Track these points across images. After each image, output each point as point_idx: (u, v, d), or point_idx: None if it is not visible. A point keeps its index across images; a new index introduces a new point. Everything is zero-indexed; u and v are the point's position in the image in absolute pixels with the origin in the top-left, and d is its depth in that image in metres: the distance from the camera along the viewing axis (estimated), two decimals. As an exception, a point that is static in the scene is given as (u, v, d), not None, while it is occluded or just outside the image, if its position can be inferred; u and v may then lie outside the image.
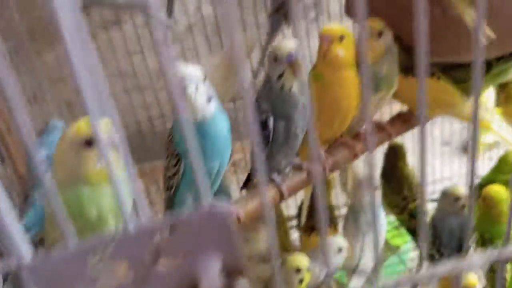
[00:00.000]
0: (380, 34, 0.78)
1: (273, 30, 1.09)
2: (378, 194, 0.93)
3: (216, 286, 0.25)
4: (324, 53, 0.73)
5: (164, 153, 0.67)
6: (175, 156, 0.64)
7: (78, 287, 0.24)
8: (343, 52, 0.73)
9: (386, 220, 1.01)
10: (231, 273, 0.27)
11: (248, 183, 0.82)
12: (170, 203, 0.68)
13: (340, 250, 0.92)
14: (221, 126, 0.63)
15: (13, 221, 0.22)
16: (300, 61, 0.65)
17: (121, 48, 1.30)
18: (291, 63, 0.66)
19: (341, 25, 0.76)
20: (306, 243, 1.08)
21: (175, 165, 0.63)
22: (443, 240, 0.93)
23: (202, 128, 0.61)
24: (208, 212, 0.25)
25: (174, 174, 0.64)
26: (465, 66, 0.89)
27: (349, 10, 0.96)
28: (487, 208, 0.93)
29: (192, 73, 0.59)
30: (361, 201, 0.93)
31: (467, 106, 0.86)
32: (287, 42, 0.68)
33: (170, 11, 1.04)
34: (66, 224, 0.24)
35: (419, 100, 0.33)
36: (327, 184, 1.04)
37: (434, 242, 0.94)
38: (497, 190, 0.93)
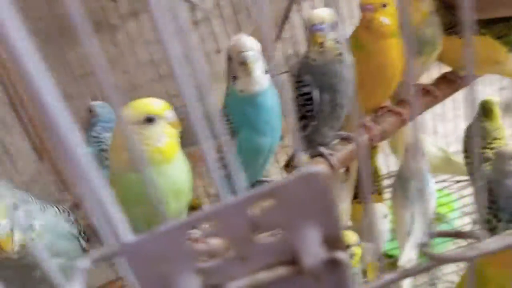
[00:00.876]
0: None
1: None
2: (426, 161, 0.89)
3: (318, 260, 0.24)
4: (368, 23, 0.70)
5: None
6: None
7: (179, 264, 0.23)
8: (387, 20, 0.70)
9: (435, 188, 0.98)
10: (332, 245, 0.25)
11: (290, 163, 0.81)
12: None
13: (385, 216, 0.91)
14: (275, 99, 0.61)
15: (111, 202, 0.21)
16: (322, 34, 0.64)
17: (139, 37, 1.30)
18: (313, 32, 0.64)
19: None
20: (353, 211, 1.06)
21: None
22: (500, 205, 0.89)
23: (258, 100, 0.60)
24: (303, 177, 0.23)
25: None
26: (504, 21, 0.84)
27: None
28: None
29: (251, 44, 0.58)
30: (410, 168, 0.90)
31: (509, 62, 0.82)
32: (316, 11, 0.65)
33: None
34: (162, 202, 0.23)
35: (465, 57, 0.31)
36: (373, 150, 1.01)
37: (491, 207, 0.91)
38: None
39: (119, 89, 0.20)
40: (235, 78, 0.61)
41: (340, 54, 0.66)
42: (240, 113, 0.62)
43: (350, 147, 0.76)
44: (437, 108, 1.03)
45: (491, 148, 0.92)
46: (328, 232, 0.25)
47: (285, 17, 1.03)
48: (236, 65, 0.60)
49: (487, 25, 0.84)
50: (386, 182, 1.14)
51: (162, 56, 1.34)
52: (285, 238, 0.25)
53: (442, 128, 1.35)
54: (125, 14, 1.31)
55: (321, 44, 0.65)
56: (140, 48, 1.33)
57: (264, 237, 0.24)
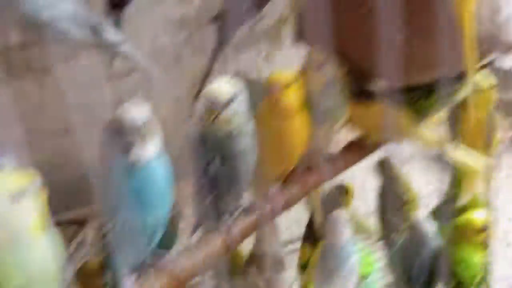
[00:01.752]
0: (321, 65, 0.76)
1: (220, 42, 1.02)
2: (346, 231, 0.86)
3: None
4: (273, 102, 0.72)
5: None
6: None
7: None
8: (292, 98, 0.72)
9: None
10: None
11: (196, 229, 0.79)
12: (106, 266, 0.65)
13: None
14: (165, 169, 0.59)
15: None
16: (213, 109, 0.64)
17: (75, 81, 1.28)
18: (207, 106, 0.65)
19: (286, 71, 0.75)
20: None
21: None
22: (413, 272, 0.90)
23: (138, 173, 0.57)
24: None
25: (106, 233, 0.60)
26: (411, 89, 0.88)
27: (300, 37, 0.94)
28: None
29: (137, 114, 0.56)
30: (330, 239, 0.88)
31: (417, 130, 0.85)
32: (214, 86, 0.65)
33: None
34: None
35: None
36: None
37: (405, 273, 0.91)
38: (468, 215, 0.89)
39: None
40: (129, 149, 0.59)
41: (236, 127, 0.65)
42: (125, 186, 0.58)
43: (253, 217, 0.75)
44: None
45: (402, 213, 0.94)
46: None
47: (206, 76, 1.02)
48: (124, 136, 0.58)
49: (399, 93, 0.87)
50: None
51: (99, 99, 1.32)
52: None
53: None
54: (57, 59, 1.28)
55: (214, 119, 0.65)
56: (75, 91, 1.30)
57: None
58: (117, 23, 0.96)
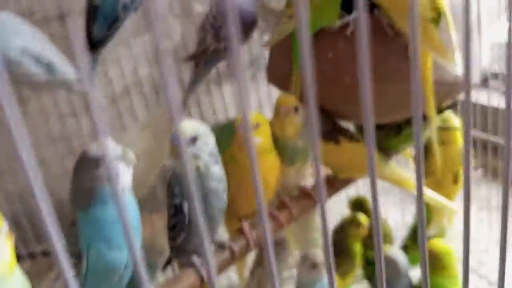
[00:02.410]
0: (296, 109, 0.80)
1: (194, 80, 1.05)
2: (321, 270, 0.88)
3: None
4: (240, 143, 0.74)
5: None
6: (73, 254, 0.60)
7: None
8: (259, 139, 0.74)
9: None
10: None
11: (169, 263, 0.80)
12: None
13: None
14: (133, 206, 0.61)
15: None
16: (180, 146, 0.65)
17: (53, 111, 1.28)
18: (171, 143, 0.66)
19: (257, 113, 0.78)
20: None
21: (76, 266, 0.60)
22: None
23: (105, 214, 0.58)
24: None
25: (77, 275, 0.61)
26: (380, 127, 0.91)
27: (270, 77, 0.98)
28: (434, 262, 0.90)
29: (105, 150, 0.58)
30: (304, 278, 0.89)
31: (387, 169, 0.88)
32: (185, 124, 0.67)
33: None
34: None
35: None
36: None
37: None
38: (439, 244, 0.92)
39: None
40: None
41: (202, 167, 0.67)
42: (94, 225, 0.59)
43: (226, 254, 0.76)
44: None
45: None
46: None
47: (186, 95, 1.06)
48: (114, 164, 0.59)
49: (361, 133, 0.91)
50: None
51: (76, 129, 1.33)
52: None
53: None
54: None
55: (177, 154, 0.66)
56: (53, 121, 1.31)
57: None
58: (94, 61, 0.99)
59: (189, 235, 0.71)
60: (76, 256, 0.59)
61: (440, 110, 0.98)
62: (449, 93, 0.87)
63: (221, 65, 1.23)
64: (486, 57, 1.31)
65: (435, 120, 0.82)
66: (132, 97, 1.33)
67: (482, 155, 1.29)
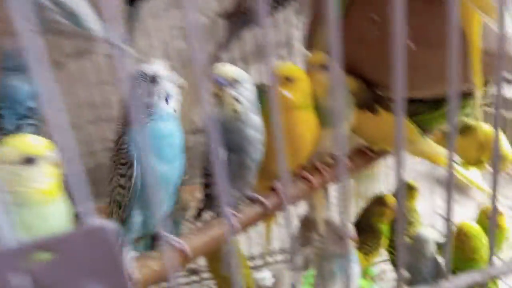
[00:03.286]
0: (324, 67, 0.78)
1: (228, 37, 1.05)
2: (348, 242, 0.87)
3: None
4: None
5: (111, 167, 0.63)
6: (126, 165, 0.60)
7: None
8: (289, 94, 0.72)
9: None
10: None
11: (200, 215, 0.78)
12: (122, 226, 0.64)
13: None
14: (177, 126, 0.62)
15: None
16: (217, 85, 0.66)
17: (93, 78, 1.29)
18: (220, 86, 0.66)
19: (293, 67, 0.76)
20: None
21: (124, 176, 0.59)
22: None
23: (159, 128, 0.60)
24: (88, 231, 0.21)
25: (124, 188, 0.60)
26: (419, 102, 0.89)
27: (309, 46, 0.97)
28: (462, 244, 0.89)
29: (159, 69, 0.60)
30: (332, 246, 0.88)
31: (423, 143, 0.85)
32: (228, 67, 0.67)
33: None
34: None
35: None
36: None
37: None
38: (470, 226, 0.90)
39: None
40: (167, 98, 0.61)
41: (236, 111, 0.66)
42: (154, 138, 0.60)
43: (256, 209, 0.75)
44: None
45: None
46: (114, 292, 0.23)
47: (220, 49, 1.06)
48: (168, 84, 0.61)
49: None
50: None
51: (102, 99, 1.33)
52: (65, 296, 0.22)
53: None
54: (71, 53, 1.30)
55: (217, 96, 0.66)
56: (80, 89, 1.31)
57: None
58: (132, 16, 0.99)
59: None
60: (127, 165, 0.60)
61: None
62: (495, 68, 0.84)
63: (249, 44, 1.23)
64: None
65: (481, 90, 0.79)
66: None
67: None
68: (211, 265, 0.95)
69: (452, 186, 0.37)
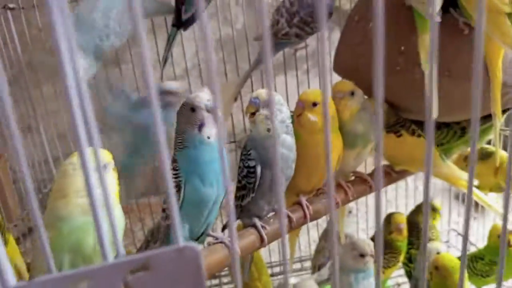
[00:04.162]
0: (352, 93, 0.83)
1: (259, 59, 1.09)
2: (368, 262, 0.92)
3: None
4: (298, 118, 0.79)
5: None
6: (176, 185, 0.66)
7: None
8: (314, 118, 0.78)
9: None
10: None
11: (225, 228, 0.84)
12: (167, 235, 0.72)
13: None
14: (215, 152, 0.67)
15: (1, 246, 0.24)
16: (251, 105, 0.71)
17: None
18: (249, 103, 0.72)
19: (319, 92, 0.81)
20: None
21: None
22: None
23: (209, 147, 0.66)
24: (178, 251, 0.27)
25: None
26: (442, 128, 0.93)
27: (336, 67, 1.02)
28: (442, 278, 0.91)
29: (205, 95, 0.66)
30: (349, 263, 0.92)
31: (445, 166, 0.89)
32: (263, 90, 0.73)
33: (165, 59, 1.08)
34: (49, 252, 0.26)
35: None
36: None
37: None
38: (450, 258, 0.94)
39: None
40: (201, 126, 0.67)
41: (269, 130, 0.72)
42: (193, 163, 0.66)
43: (284, 222, 0.80)
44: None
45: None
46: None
47: (244, 80, 1.10)
48: (203, 113, 0.67)
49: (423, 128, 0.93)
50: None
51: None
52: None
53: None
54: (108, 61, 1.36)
55: (252, 115, 0.71)
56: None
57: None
58: (173, 36, 1.06)
59: (256, 198, 0.75)
60: (175, 187, 0.66)
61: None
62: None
63: (276, 57, 1.28)
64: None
65: (500, 119, 0.83)
66: (190, 79, 1.39)
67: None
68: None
69: (471, 209, 0.39)
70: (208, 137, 0.67)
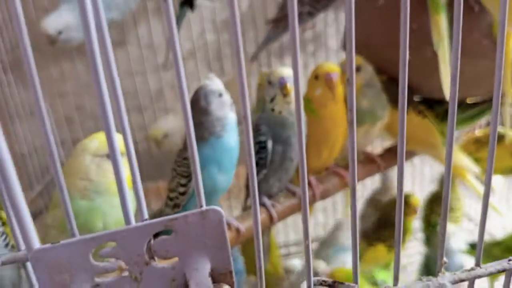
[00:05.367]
0: (358, 69, 0.82)
1: (268, 38, 1.11)
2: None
3: (204, 288, 0.27)
4: (332, 91, 0.77)
5: (172, 172, 0.69)
6: (185, 176, 0.66)
7: (78, 276, 0.26)
8: (341, 88, 0.77)
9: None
10: (218, 278, 0.29)
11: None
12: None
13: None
14: (236, 139, 0.67)
15: (25, 210, 0.24)
16: (290, 86, 0.69)
17: (124, 68, 1.34)
18: (282, 86, 0.70)
19: (335, 61, 0.80)
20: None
21: (185, 185, 0.66)
22: None
23: (224, 140, 0.65)
24: (201, 214, 0.27)
25: (183, 194, 0.67)
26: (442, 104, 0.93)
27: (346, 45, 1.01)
28: None
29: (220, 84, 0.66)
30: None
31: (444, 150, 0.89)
32: (281, 68, 0.72)
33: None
34: (71, 215, 0.26)
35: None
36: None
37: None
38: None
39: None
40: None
41: (281, 112, 0.72)
42: (208, 152, 0.66)
43: (293, 201, 0.80)
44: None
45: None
46: (217, 266, 0.28)
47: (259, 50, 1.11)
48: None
49: (430, 109, 0.93)
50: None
51: (131, 89, 1.39)
52: (178, 265, 0.28)
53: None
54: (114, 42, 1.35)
55: (288, 95, 0.71)
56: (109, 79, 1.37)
57: (159, 263, 0.28)
58: (181, 16, 1.05)
59: (267, 175, 0.75)
60: (187, 176, 0.67)
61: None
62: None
63: (286, 38, 1.27)
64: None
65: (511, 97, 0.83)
66: (197, 61, 1.38)
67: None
68: (244, 249, 1.02)
69: (488, 199, 0.36)
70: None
